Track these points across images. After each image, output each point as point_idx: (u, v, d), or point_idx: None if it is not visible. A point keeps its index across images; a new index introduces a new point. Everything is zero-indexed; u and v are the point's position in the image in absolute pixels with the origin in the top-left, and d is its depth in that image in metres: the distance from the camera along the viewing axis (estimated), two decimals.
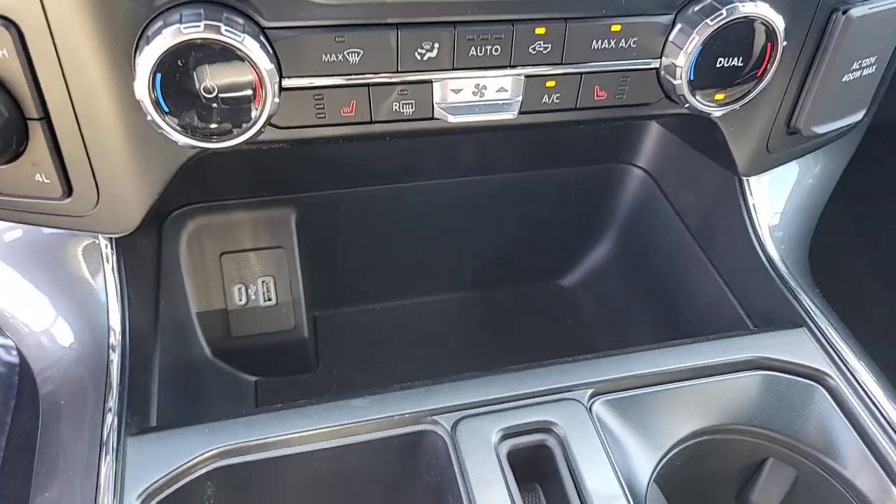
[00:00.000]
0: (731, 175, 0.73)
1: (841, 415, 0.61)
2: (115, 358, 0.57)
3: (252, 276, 0.80)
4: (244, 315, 0.80)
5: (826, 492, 0.60)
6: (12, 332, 0.63)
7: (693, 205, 0.81)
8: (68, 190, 0.55)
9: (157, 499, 0.51)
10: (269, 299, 0.80)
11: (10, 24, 0.47)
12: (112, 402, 0.55)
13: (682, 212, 0.83)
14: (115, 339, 0.58)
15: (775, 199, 0.76)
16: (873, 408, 0.60)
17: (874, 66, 0.66)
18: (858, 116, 0.70)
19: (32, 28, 0.48)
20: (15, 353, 1.51)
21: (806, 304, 0.67)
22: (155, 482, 0.51)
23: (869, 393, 0.61)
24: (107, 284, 0.60)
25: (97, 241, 0.61)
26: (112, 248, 0.61)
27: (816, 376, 0.62)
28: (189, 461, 0.52)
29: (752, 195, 0.73)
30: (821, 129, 0.67)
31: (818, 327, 0.65)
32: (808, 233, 0.78)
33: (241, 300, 0.80)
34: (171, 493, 0.52)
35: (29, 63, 0.49)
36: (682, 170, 0.84)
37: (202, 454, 0.52)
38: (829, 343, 0.64)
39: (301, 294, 0.81)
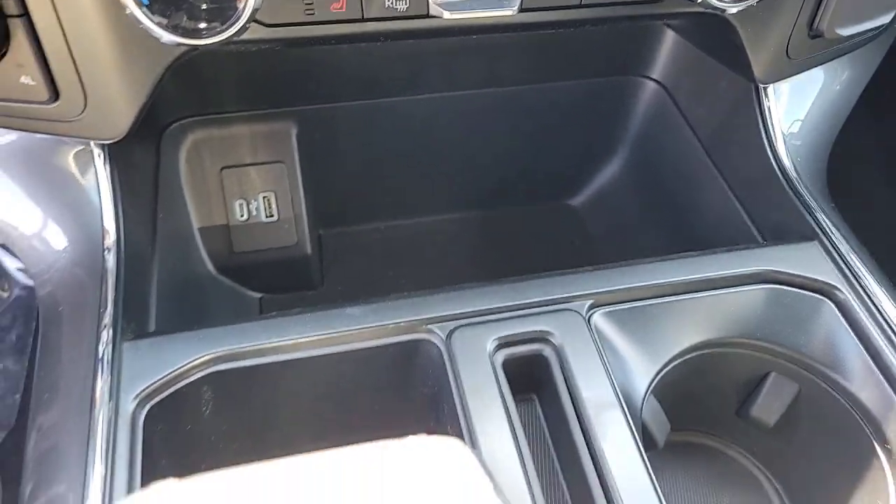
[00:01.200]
0: (748, 84, 0.70)
1: (849, 329, 0.59)
2: (110, 261, 0.57)
3: (253, 191, 0.79)
4: (246, 231, 0.79)
5: (829, 406, 0.59)
6: (6, 238, 0.63)
7: (707, 117, 0.78)
8: (54, 93, 0.54)
9: (153, 401, 0.51)
10: (271, 215, 0.79)
11: None
12: (108, 307, 0.55)
13: (695, 125, 0.80)
14: (110, 241, 0.58)
15: (794, 109, 0.72)
16: (883, 323, 0.58)
17: None
18: (888, 18, 0.66)
19: None
20: (31, 275, 1.53)
21: (819, 218, 0.65)
22: (150, 385, 0.51)
23: (880, 308, 0.59)
24: (100, 189, 0.59)
25: (89, 149, 0.60)
26: (105, 157, 0.60)
27: (826, 290, 0.60)
28: (184, 365, 0.52)
29: (769, 104, 0.70)
30: (846, 32, 0.63)
31: (830, 242, 0.63)
32: (828, 145, 0.74)
33: (242, 216, 0.79)
34: (167, 397, 0.52)
35: None
36: (697, 81, 0.80)
37: (197, 358, 0.53)
38: (840, 258, 0.62)
39: (303, 210, 0.80)
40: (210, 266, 0.79)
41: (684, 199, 0.80)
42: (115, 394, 0.51)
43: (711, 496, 0.67)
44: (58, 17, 0.50)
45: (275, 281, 0.82)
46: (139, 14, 0.47)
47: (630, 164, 0.91)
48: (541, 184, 0.94)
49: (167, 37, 0.49)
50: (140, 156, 0.69)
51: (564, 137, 0.90)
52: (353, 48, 0.74)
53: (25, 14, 0.50)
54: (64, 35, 0.51)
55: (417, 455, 0.38)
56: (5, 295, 1.55)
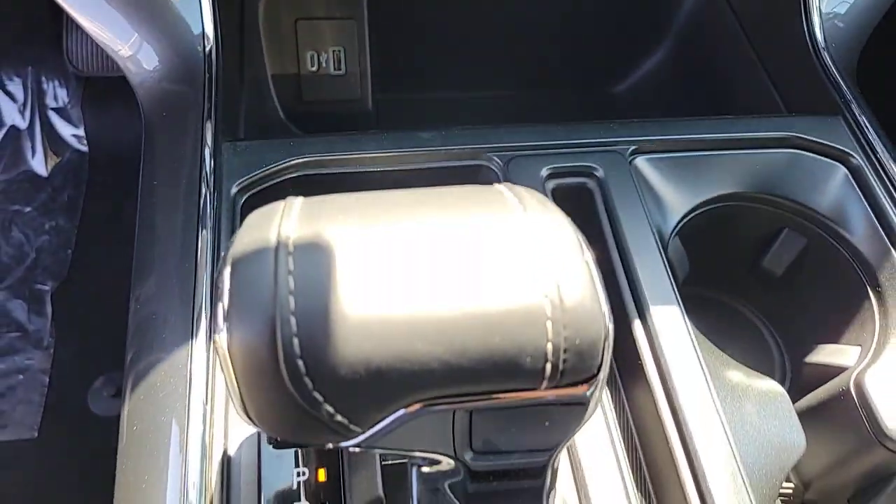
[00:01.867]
0: None
1: (858, 191, 0.66)
2: (211, 69, 0.64)
3: (324, 44, 0.85)
4: (315, 81, 0.86)
5: (831, 257, 0.67)
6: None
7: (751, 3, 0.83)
8: None
9: (250, 192, 0.60)
10: (339, 69, 0.86)
11: None
12: (210, 112, 0.63)
13: (738, 8, 0.85)
14: (210, 47, 0.65)
15: None
16: (891, 188, 0.66)
17: None
18: None
19: None
20: (86, 142, 1.61)
21: (850, 99, 0.71)
22: (249, 177, 0.60)
23: (890, 175, 0.66)
24: (202, 6, 0.66)
25: None
26: None
27: (842, 157, 0.68)
28: (278, 165, 0.60)
29: None
30: None
31: (852, 115, 0.70)
32: (865, 35, 0.79)
33: (312, 66, 0.85)
34: (261, 191, 0.60)
35: None
36: None
37: (290, 161, 0.60)
38: (860, 130, 0.69)
39: (368, 67, 0.87)
40: (280, 112, 0.86)
41: (723, 84, 0.86)
42: (219, 183, 0.59)
43: (716, 342, 0.76)
44: None
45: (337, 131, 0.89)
46: None
47: (673, 51, 0.97)
48: (588, 69, 0.99)
49: None
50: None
51: (609, 23, 0.95)
52: None
53: None
54: None
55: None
56: (58, 159, 1.64)
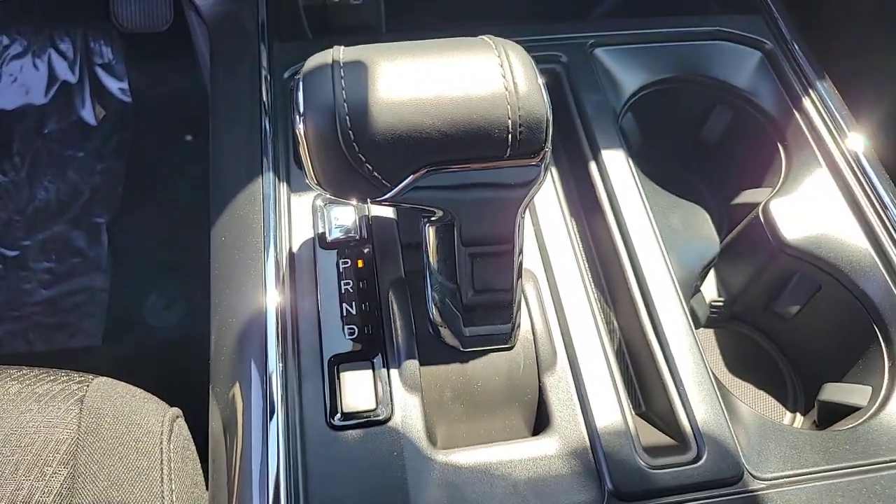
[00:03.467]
0: None
1: (771, 70, 0.84)
2: None
3: None
4: (339, 10, 1.04)
5: (749, 120, 0.85)
6: None
7: None
8: None
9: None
10: None
11: None
12: (265, 19, 0.81)
13: None
14: None
15: None
16: (797, 68, 0.83)
17: None
18: None
19: None
20: (129, 93, 1.81)
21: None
22: (297, 69, 0.78)
23: (797, 58, 0.84)
24: None
25: None
26: None
27: (759, 44, 0.85)
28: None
29: None
30: None
31: (771, 13, 0.87)
32: None
33: None
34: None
35: None
36: None
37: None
38: (776, 24, 0.86)
39: None
40: (309, 34, 1.04)
41: None
42: (274, 68, 0.78)
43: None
44: None
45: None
46: None
47: None
48: None
49: None
50: None
51: None
52: None
53: None
54: None
55: None
56: (106, 110, 1.84)
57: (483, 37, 0.56)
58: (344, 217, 0.68)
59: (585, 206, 0.76)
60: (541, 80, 0.53)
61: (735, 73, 0.85)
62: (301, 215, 0.69)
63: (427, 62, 0.52)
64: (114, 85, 1.82)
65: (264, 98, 0.76)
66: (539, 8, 1.00)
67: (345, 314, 0.64)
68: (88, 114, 1.83)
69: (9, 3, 1.70)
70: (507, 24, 0.83)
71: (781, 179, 0.79)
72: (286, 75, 0.78)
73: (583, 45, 0.83)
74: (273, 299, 0.63)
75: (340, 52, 0.54)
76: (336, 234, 0.68)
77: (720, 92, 0.86)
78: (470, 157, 0.52)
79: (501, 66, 0.51)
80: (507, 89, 0.50)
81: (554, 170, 0.77)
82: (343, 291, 0.65)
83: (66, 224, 1.70)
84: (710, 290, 0.84)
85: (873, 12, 0.89)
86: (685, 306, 0.65)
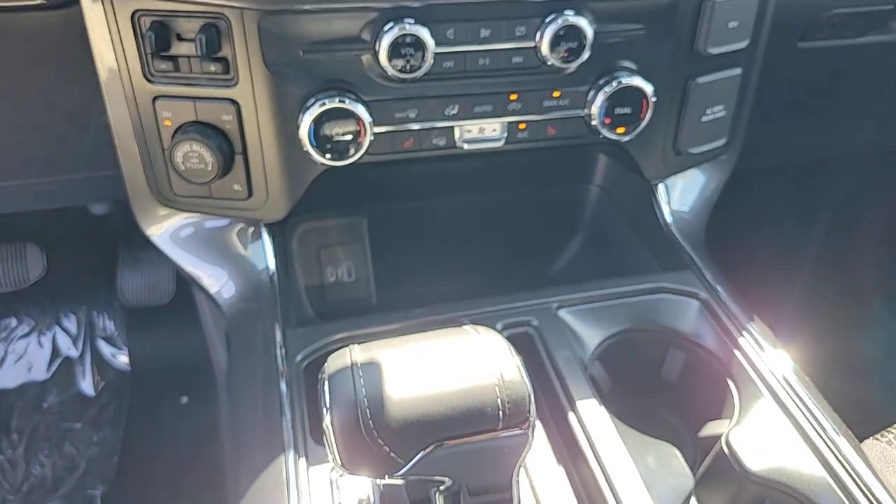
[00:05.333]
0: (646, 182, 1.14)
1: (709, 316, 0.99)
2: (275, 289, 0.98)
3: (339, 261, 1.20)
4: (334, 287, 1.20)
5: (699, 360, 0.98)
6: (209, 286, 1.03)
7: (629, 205, 1.22)
8: (250, 193, 0.97)
9: (309, 360, 0.90)
10: (350, 277, 1.20)
11: (234, 103, 0.91)
12: (279, 319, 0.95)
13: (623, 210, 1.24)
14: (275, 278, 0.99)
15: (680, 196, 1.16)
16: (729, 312, 0.99)
17: (724, 111, 1.08)
18: (721, 142, 1.11)
19: (245, 105, 0.91)
20: (129, 363, 1.90)
21: (695, 258, 1.07)
22: (310, 352, 0.91)
23: (725, 304, 1.00)
24: (265, 248, 1.01)
25: (259, 227, 1.03)
26: (269, 231, 1.03)
27: (694, 294, 1.01)
28: (329, 340, 0.91)
29: (661, 194, 1.14)
30: (695, 151, 1.09)
31: (699, 270, 1.05)
32: (704, 219, 1.17)
33: (331, 277, 1.20)
34: (316, 358, 0.91)
35: (240, 123, 0.92)
36: (621, 182, 1.25)
37: (335, 337, 0.92)
38: (705, 279, 1.03)
39: (371, 274, 1.21)
40: (310, 310, 1.19)
41: (619, 257, 1.23)
42: (291, 357, 0.90)
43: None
44: (262, 153, 0.94)
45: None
46: (311, 150, 0.91)
47: (586, 243, 1.34)
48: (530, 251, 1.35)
49: (321, 160, 0.93)
50: (278, 239, 1.12)
51: (538, 231, 1.33)
52: (404, 171, 1.19)
53: (244, 153, 0.94)
54: (263, 161, 0.95)
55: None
56: (104, 382, 1.93)
57: (468, 327, 0.70)
58: (360, 489, 0.76)
59: (570, 452, 0.85)
60: (520, 363, 0.66)
61: (680, 321, 1.00)
62: (319, 488, 0.77)
63: (429, 359, 0.64)
64: (114, 355, 1.93)
65: (282, 384, 0.87)
66: (504, 275, 1.18)
67: None
68: (88, 386, 1.90)
69: (20, 291, 1.86)
70: (482, 295, 0.99)
71: (736, 412, 0.90)
72: (299, 358, 0.90)
73: (549, 308, 0.98)
74: None
75: (357, 353, 0.66)
76: None
77: (670, 337, 1.00)
78: (469, 432, 0.62)
79: (489, 359, 0.64)
80: (495, 377, 0.63)
81: (539, 423, 0.87)
82: None
83: (60, 500, 1.70)
84: None
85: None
86: None
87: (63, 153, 1.18)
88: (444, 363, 0.64)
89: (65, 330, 1.93)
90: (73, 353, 1.92)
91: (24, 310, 1.91)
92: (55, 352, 1.89)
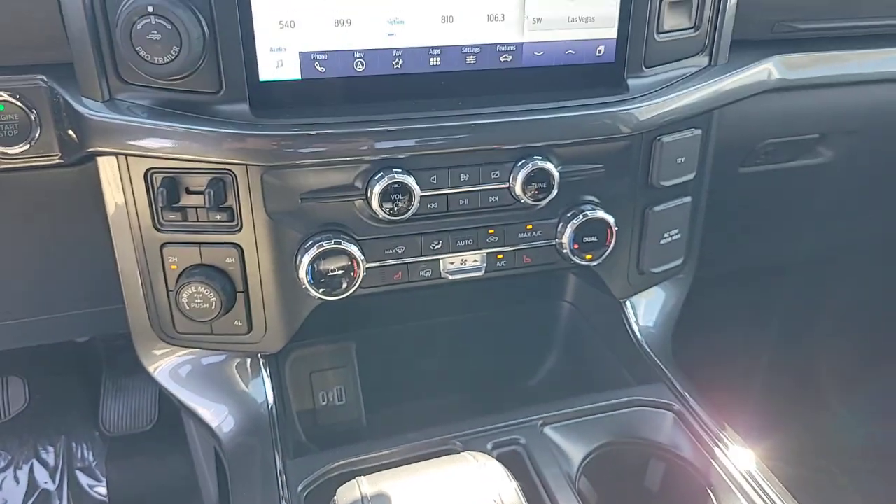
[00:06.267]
0: (615, 300, 1.23)
1: (683, 426, 1.06)
2: (274, 420, 1.02)
3: (330, 385, 1.25)
4: (326, 411, 1.24)
5: (679, 470, 1.04)
6: (210, 421, 1.07)
7: (599, 320, 1.31)
8: (250, 328, 1.03)
9: (310, 489, 0.94)
10: (342, 400, 1.25)
11: (237, 246, 0.98)
12: (279, 448, 0.99)
13: (595, 326, 1.33)
14: (274, 410, 1.03)
15: (646, 312, 1.26)
16: (700, 421, 1.06)
17: (679, 234, 1.19)
18: (679, 261, 1.22)
19: (248, 248, 0.99)
20: (107, 494, 1.87)
21: (665, 371, 1.15)
22: (311, 481, 0.94)
23: (697, 414, 1.07)
24: (264, 380, 1.06)
25: (257, 359, 1.08)
26: (266, 363, 1.08)
27: (668, 406, 1.09)
28: (329, 468, 0.95)
29: (629, 310, 1.23)
30: (657, 270, 1.19)
31: (670, 382, 1.12)
32: (669, 332, 1.27)
33: (323, 402, 1.24)
34: (317, 486, 0.94)
35: (242, 264, 0.99)
36: (591, 300, 1.34)
37: (337, 464, 0.96)
38: (676, 390, 1.11)
39: (360, 396, 1.26)
40: (302, 436, 1.22)
41: (595, 373, 1.30)
42: (292, 487, 0.93)
43: None
44: (262, 291, 1.01)
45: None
46: (309, 287, 0.99)
47: (562, 356, 1.42)
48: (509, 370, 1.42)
49: (317, 295, 1.00)
50: (273, 369, 1.17)
51: (516, 345, 1.41)
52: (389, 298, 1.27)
53: (245, 291, 1.01)
54: (262, 299, 1.02)
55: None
56: None
57: (466, 454, 0.76)
58: None
59: None
60: (517, 487, 0.72)
61: (657, 433, 1.07)
62: None
63: (434, 488, 0.70)
64: (93, 486, 1.90)
65: None
66: (487, 391, 1.24)
67: None
68: None
69: None
70: (470, 416, 1.05)
71: None
72: (300, 488, 0.93)
73: (534, 426, 1.04)
74: None
75: (366, 485, 0.72)
76: None
77: (650, 449, 1.07)
78: None
79: (489, 485, 0.70)
80: (493, 500, 0.68)
81: None
82: None
83: None
84: None
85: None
86: None
87: (63, 291, 1.23)
88: (448, 491, 0.70)
89: (42, 462, 1.90)
90: (51, 485, 1.88)
91: (1, 443, 1.88)
92: (32, 485, 1.85)
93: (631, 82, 1.06)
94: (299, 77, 0.94)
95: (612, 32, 1.04)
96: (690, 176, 1.17)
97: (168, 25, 0.84)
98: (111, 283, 1.04)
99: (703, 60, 1.14)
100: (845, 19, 1.25)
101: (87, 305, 1.23)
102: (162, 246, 0.98)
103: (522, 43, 1.01)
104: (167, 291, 1.01)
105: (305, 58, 0.94)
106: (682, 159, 1.14)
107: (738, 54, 1.18)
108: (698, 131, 1.14)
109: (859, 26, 1.27)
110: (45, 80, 0.93)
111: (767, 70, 1.21)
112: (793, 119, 1.33)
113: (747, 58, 1.19)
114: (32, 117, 0.94)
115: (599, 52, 1.05)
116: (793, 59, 1.23)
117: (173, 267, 0.99)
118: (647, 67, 1.07)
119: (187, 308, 0.98)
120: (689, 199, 1.19)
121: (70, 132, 0.94)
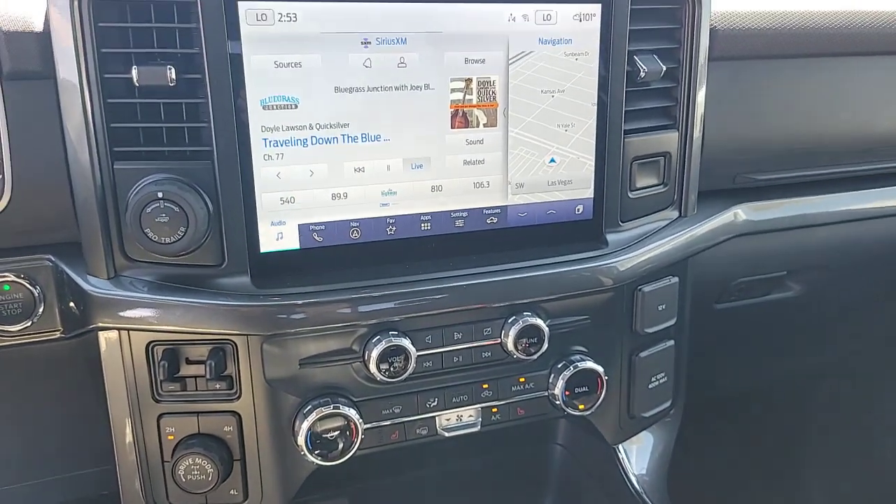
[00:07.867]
0: (608, 445, 1.25)
1: None
2: None
3: None
4: None
5: None
6: None
7: (592, 464, 1.31)
8: (245, 497, 1.02)
9: None
10: None
11: (235, 414, 0.99)
12: None
13: (589, 471, 1.33)
14: None
15: (639, 458, 1.27)
16: None
17: (665, 378, 1.23)
18: (668, 405, 1.25)
19: (246, 416, 0.99)
20: None
21: None
22: None
23: None
24: None
25: None
26: None
27: None
28: None
29: (622, 456, 1.24)
30: (647, 414, 1.22)
31: None
32: (664, 475, 1.27)
33: None
34: None
35: (240, 432, 1.00)
36: (583, 443, 1.35)
37: None
38: None
39: None
40: None
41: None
42: None
43: None
44: (259, 459, 1.01)
45: None
46: (307, 454, 0.99)
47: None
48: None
49: (316, 461, 1.00)
50: None
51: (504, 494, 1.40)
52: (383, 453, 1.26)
53: (242, 459, 1.01)
54: (259, 466, 1.01)
55: None
56: None
57: None
58: None
59: None
60: None
61: None
62: None
63: None
64: None
65: None
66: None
67: None
68: None
69: None
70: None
71: None
72: None
73: None
74: None
75: None
76: None
77: None
78: None
79: None
80: None
81: None
82: None
83: None
84: None
85: None
86: None
87: (56, 455, 1.21)
88: None
89: None
90: None
91: None
92: None
93: (609, 237, 1.12)
94: (298, 247, 0.99)
95: (589, 192, 1.12)
96: (672, 321, 1.22)
97: (176, 208, 0.89)
98: (104, 447, 1.02)
99: (673, 213, 1.22)
100: (803, 169, 1.35)
101: (84, 467, 1.21)
102: (159, 417, 0.98)
103: (507, 206, 1.08)
104: (163, 463, 1.00)
105: (304, 229, 0.98)
106: (663, 306, 1.19)
107: (707, 204, 1.26)
108: (675, 279, 1.20)
109: (818, 174, 1.37)
110: (52, 259, 0.96)
111: (733, 217, 1.29)
112: (761, 259, 1.41)
113: (715, 207, 1.27)
114: (36, 294, 0.96)
115: (578, 210, 1.12)
116: (758, 206, 1.32)
117: (170, 437, 0.99)
118: (623, 222, 1.14)
119: (184, 480, 0.97)
120: (671, 343, 1.23)
121: (73, 308, 0.96)
